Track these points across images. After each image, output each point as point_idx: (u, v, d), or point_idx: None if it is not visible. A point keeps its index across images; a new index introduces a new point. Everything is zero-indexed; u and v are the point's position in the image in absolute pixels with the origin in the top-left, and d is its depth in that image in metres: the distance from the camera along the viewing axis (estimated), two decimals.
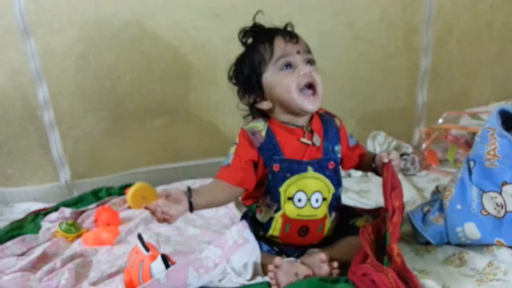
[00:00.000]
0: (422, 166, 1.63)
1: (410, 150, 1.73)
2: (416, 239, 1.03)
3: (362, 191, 1.46)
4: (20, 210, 1.57)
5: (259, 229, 0.97)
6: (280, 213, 0.93)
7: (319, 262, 0.87)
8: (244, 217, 1.05)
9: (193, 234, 1.21)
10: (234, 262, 0.88)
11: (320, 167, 0.93)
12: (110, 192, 1.59)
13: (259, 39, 0.95)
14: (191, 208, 0.86)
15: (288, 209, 0.93)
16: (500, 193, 0.91)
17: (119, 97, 1.68)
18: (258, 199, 0.98)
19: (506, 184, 0.90)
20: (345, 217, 1.01)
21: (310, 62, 0.94)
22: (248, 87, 0.96)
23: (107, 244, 1.18)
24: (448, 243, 0.97)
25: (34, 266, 1.06)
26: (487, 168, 0.93)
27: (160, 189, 1.58)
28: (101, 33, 1.60)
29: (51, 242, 1.18)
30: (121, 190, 1.58)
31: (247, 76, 0.95)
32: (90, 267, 1.06)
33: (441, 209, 0.99)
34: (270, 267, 0.85)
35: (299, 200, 0.92)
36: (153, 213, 0.82)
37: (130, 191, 1.46)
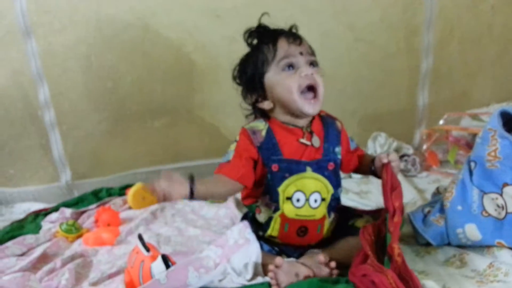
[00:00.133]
0: (422, 167, 1.63)
1: (410, 151, 1.73)
2: (416, 240, 1.03)
3: (363, 192, 1.46)
4: (21, 210, 1.57)
5: (258, 229, 0.97)
6: (278, 213, 0.94)
7: (319, 263, 0.87)
8: (244, 217, 1.05)
9: (194, 234, 1.21)
10: (234, 262, 0.88)
11: (319, 168, 0.93)
12: (110, 192, 1.59)
13: (263, 39, 0.96)
14: (192, 194, 0.87)
15: (287, 209, 0.93)
16: (501, 194, 0.91)
17: (120, 97, 1.68)
18: (258, 199, 0.98)
19: (507, 185, 0.90)
20: (345, 218, 1.01)
21: (313, 64, 0.94)
22: (250, 87, 0.97)
23: (107, 244, 1.18)
24: (449, 244, 0.97)
25: (35, 266, 1.06)
26: (488, 169, 0.93)
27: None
28: (102, 34, 1.60)
29: (52, 242, 1.18)
30: (122, 191, 1.58)
31: (250, 75, 0.96)
32: (91, 268, 1.06)
33: (442, 210, 0.99)
34: (271, 267, 0.85)
35: (298, 200, 0.92)
36: (154, 189, 0.83)
37: (130, 192, 1.45)
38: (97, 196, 1.57)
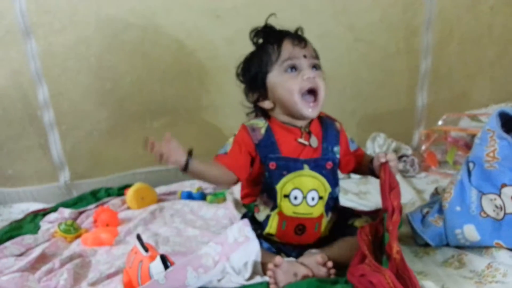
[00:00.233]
0: (421, 168, 1.63)
1: (409, 151, 1.73)
2: (415, 241, 1.03)
3: (362, 193, 1.46)
4: (19, 210, 1.58)
5: (257, 228, 0.97)
6: (276, 210, 0.94)
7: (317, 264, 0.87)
8: (243, 218, 1.04)
9: (192, 235, 1.21)
10: (234, 261, 0.88)
11: (316, 166, 0.94)
12: (109, 192, 1.60)
13: (268, 39, 0.97)
14: (186, 167, 0.88)
15: (284, 206, 0.93)
16: (499, 195, 0.91)
17: (120, 98, 1.68)
18: (256, 198, 0.99)
19: (506, 186, 0.90)
20: (344, 218, 1.02)
21: (316, 67, 0.95)
22: (253, 85, 0.98)
23: (106, 244, 1.17)
24: (447, 245, 0.97)
25: (33, 267, 1.06)
26: (486, 170, 0.93)
27: (159, 190, 1.58)
28: (102, 34, 1.60)
29: (50, 243, 1.18)
30: (120, 191, 1.58)
31: (253, 74, 0.97)
32: (89, 268, 1.05)
33: (440, 211, 0.99)
34: (270, 266, 0.85)
35: (295, 198, 0.93)
36: (153, 146, 0.86)
37: (129, 192, 1.46)
38: (96, 196, 1.58)
